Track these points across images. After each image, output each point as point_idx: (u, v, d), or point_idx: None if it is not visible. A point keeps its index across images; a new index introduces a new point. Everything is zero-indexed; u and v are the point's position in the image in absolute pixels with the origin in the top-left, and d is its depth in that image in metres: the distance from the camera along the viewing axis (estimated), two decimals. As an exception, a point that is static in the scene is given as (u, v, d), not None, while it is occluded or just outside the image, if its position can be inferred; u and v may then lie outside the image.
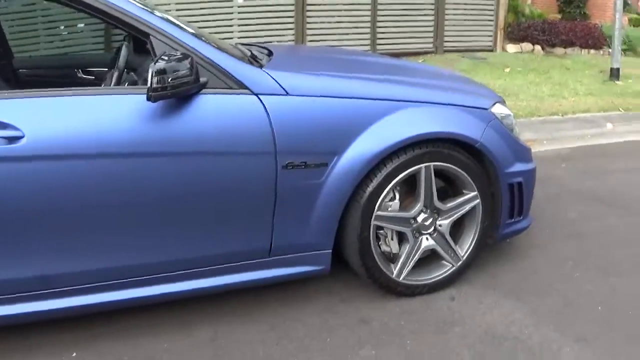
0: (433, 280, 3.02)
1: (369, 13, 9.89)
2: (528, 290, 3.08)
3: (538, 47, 11.70)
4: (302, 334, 2.72)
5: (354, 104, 2.73)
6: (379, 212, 2.81)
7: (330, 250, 2.81)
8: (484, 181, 2.99)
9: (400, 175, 2.80)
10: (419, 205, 2.90)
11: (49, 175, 2.36)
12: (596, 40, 12.12)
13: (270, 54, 3.32)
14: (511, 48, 11.51)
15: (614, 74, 9.10)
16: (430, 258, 3.06)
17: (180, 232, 2.57)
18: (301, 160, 2.62)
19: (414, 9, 10.32)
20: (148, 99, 2.33)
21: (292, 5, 9.38)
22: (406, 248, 2.93)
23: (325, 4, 9.61)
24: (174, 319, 2.83)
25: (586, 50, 12.06)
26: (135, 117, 2.43)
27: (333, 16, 9.67)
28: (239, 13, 9.07)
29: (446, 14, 10.69)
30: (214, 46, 2.69)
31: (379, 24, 9.97)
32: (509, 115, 3.18)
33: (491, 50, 11.19)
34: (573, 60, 10.90)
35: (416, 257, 2.95)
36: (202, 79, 2.51)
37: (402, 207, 2.92)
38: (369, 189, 2.76)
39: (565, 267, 3.34)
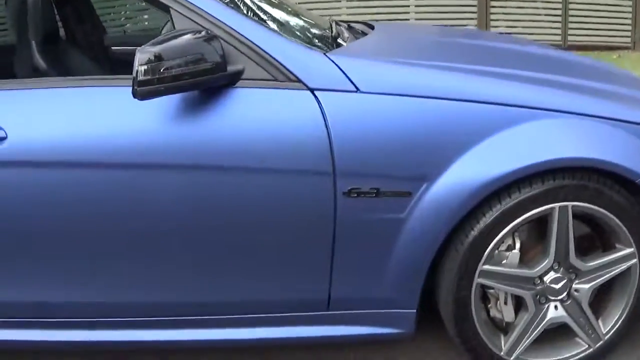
0: (560, 364, 2.14)
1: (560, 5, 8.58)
2: None
3: None
4: None
5: (457, 109, 1.90)
6: (487, 266, 1.97)
7: (415, 310, 2.02)
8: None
9: (522, 217, 1.94)
10: (547, 261, 2.01)
11: (34, 187, 1.87)
12: None
13: (363, 34, 2.56)
14: None
15: None
16: (557, 332, 2.17)
17: (193, 270, 1.95)
18: (372, 186, 1.85)
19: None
20: (133, 94, 1.69)
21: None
22: (524, 317, 2.07)
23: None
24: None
25: None
26: (150, 116, 1.84)
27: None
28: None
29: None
30: (255, 22, 1.99)
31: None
32: None
33: None
34: None
35: (537, 331, 2.08)
36: (235, 67, 1.82)
37: (523, 261, 2.06)
38: (474, 232, 1.93)
39: None
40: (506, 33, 8.10)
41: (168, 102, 1.82)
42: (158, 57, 1.70)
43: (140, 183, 1.85)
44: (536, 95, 1.99)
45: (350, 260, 1.93)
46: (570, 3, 8.57)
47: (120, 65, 3.09)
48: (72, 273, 1.96)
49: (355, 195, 1.86)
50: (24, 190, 1.86)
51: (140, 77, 1.68)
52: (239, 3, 2.26)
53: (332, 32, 2.48)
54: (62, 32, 3.14)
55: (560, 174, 1.94)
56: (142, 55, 1.69)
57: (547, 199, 1.94)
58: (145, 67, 1.68)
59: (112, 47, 3.36)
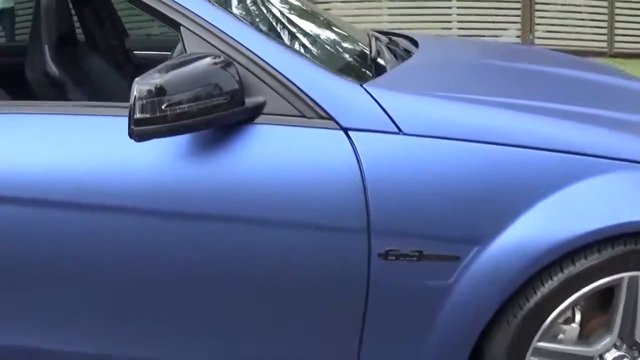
0: None
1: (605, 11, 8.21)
2: None
3: None
4: None
5: (517, 158, 1.61)
6: (542, 344, 1.70)
7: (456, 389, 1.76)
8: None
9: (586, 289, 1.65)
10: (610, 337, 1.73)
11: (9, 227, 1.64)
12: None
13: (406, 51, 2.29)
14: None
15: None
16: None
17: (198, 330, 1.70)
18: (413, 248, 1.58)
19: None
20: (129, 135, 1.43)
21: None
22: (579, 399, 1.80)
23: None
24: None
25: None
26: (151, 152, 1.59)
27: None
28: (457, 1, 8.22)
29: None
30: (280, 44, 1.76)
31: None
32: None
33: None
34: None
35: (595, 415, 1.81)
36: (254, 100, 1.56)
37: (582, 335, 1.79)
38: (529, 304, 1.65)
39: None
40: (549, 39, 7.92)
41: (174, 137, 1.55)
42: (160, 90, 1.43)
43: (136, 230, 1.60)
44: (609, 140, 1.71)
45: (383, 330, 1.67)
46: (617, 8, 8.23)
47: (142, 73, 2.88)
48: (51, 321, 1.74)
49: (394, 257, 1.59)
50: None
51: (138, 115, 1.42)
52: (262, 18, 2.02)
53: (371, 50, 2.21)
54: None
55: (631, 238, 1.66)
56: (142, 87, 1.43)
57: (616, 267, 1.65)
58: (144, 102, 1.42)
59: (135, 52, 3.14)
